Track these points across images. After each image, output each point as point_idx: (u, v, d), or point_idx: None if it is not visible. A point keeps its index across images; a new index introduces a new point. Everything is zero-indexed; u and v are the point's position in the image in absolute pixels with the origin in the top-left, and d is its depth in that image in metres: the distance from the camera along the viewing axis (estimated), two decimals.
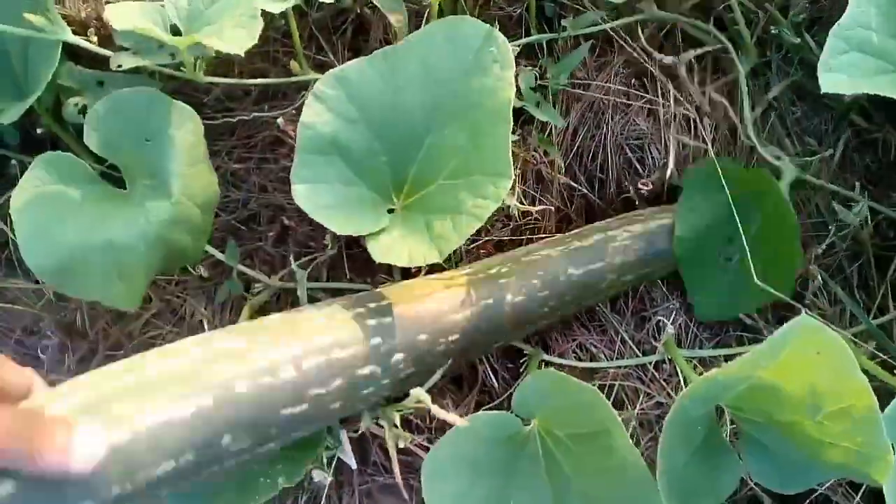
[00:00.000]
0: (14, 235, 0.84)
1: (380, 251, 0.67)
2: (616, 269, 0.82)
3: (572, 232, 0.85)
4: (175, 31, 0.69)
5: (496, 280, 0.75)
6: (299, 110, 0.80)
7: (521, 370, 0.89)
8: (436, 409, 0.66)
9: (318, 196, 0.68)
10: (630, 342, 0.91)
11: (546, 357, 0.87)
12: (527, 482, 0.70)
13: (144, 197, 0.69)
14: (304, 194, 0.67)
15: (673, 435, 0.64)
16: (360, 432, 0.73)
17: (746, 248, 0.76)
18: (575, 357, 0.90)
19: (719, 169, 0.79)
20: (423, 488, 0.67)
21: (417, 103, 0.69)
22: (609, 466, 0.65)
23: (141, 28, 0.64)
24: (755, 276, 0.74)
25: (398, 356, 0.66)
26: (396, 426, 0.72)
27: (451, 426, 0.82)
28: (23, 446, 0.44)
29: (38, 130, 0.82)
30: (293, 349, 0.59)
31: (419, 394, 0.65)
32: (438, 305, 0.70)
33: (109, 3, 0.75)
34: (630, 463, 0.64)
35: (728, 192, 0.78)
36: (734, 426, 0.79)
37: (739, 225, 0.76)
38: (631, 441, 0.63)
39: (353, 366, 0.63)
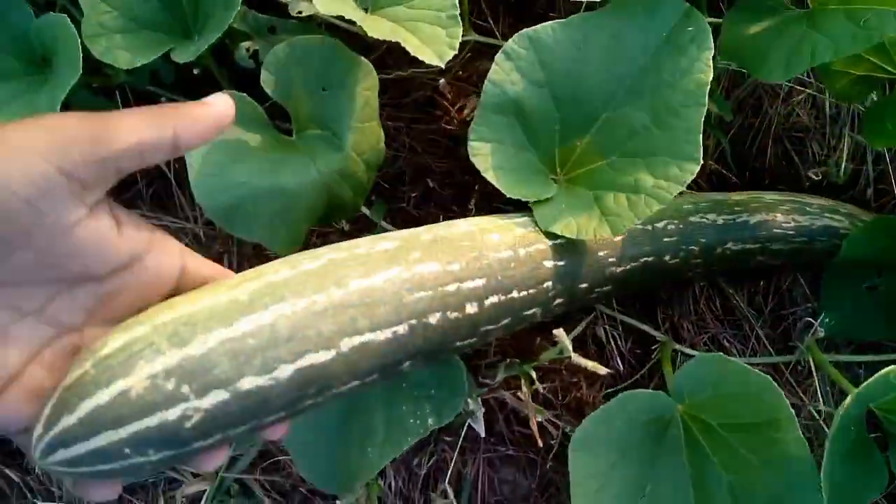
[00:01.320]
0: (168, 171, 0.87)
1: (546, 219, 0.67)
2: (770, 253, 0.82)
3: (741, 197, 0.84)
4: None
5: (660, 238, 0.76)
6: (461, 69, 0.80)
7: (649, 356, 0.88)
8: (577, 357, 0.66)
9: (493, 156, 0.68)
10: (764, 340, 0.90)
11: (677, 346, 0.86)
12: (667, 468, 0.70)
13: (314, 146, 0.70)
14: (480, 152, 0.68)
15: (839, 435, 0.63)
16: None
17: None
18: (706, 349, 0.89)
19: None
20: (570, 463, 0.67)
21: (603, 75, 0.68)
22: (770, 459, 0.65)
23: (341, 13, 0.63)
24: None
25: (558, 300, 0.68)
26: (536, 388, 0.72)
27: (581, 405, 0.83)
28: (169, 112, 0.45)
29: (195, 71, 0.83)
30: (479, 283, 0.59)
31: (561, 335, 0.65)
32: (606, 255, 0.71)
33: None
34: (796, 457, 0.63)
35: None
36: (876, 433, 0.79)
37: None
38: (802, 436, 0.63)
39: (523, 308, 0.64)
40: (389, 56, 0.84)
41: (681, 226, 0.77)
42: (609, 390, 0.85)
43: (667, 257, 0.76)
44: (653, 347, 0.88)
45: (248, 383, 0.45)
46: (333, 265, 0.53)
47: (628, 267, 0.73)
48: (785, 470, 0.65)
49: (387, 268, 0.54)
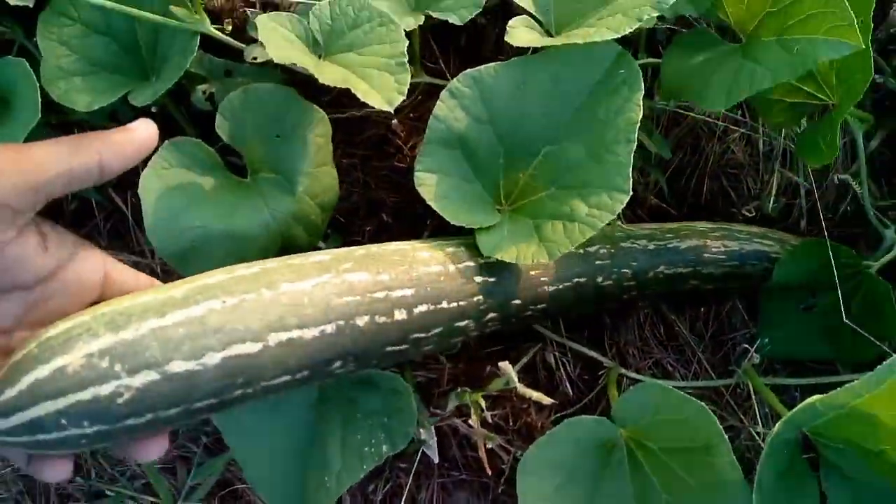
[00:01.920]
0: (125, 207, 0.89)
1: (489, 245, 0.70)
2: (701, 277, 0.87)
3: (673, 225, 0.88)
4: (316, 42, 0.72)
5: (592, 261, 0.80)
6: (412, 111, 0.84)
7: (597, 381, 0.92)
8: (522, 388, 0.70)
9: (438, 186, 0.72)
10: (706, 364, 0.94)
11: (623, 371, 0.90)
12: (611, 490, 0.73)
13: (267, 190, 0.72)
14: (426, 182, 0.72)
15: (769, 459, 0.67)
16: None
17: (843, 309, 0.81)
18: (651, 374, 0.93)
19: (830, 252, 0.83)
20: (518, 486, 0.70)
21: (542, 113, 0.72)
22: (706, 483, 0.69)
23: (294, 61, 0.67)
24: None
25: (492, 315, 0.72)
26: (486, 415, 0.75)
27: (530, 430, 0.86)
28: (94, 139, 0.50)
29: (153, 110, 0.85)
30: (407, 293, 0.63)
31: (506, 368, 0.69)
32: (538, 274, 0.75)
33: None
34: (730, 481, 0.67)
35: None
36: (810, 454, 0.82)
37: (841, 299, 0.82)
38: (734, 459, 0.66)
39: (454, 318, 0.68)
40: (345, 95, 0.86)
41: (612, 250, 0.82)
42: (558, 415, 0.88)
43: (599, 279, 0.80)
44: (600, 373, 0.91)
45: (177, 366, 0.49)
46: (266, 272, 0.57)
47: (561, 286, 0.77)
48: (719, 492, 0.68)
49: (317, 275, 0.59)
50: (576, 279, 0.78)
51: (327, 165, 0.73)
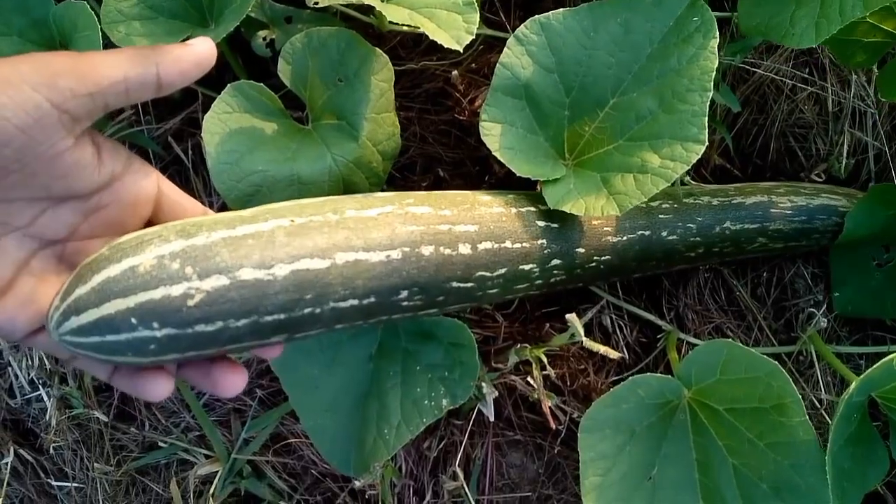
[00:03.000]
0: (184, 156, 0.88)
1: (555, 198, 0.68)
2: (769, 234, 0.84)
3: (736, 185, 0.86)
4: None
5: (656, 214, 0.78)
6: (472, 63, 0.81)
7: (654, 346, 0.89)
8: (588, 342, 0.68)
9: (503, 137, 0.70)
10: (767, 330, 0.91)
11: (682, 335, 0.88)
12: (673, 451, 0.72)
13: (329, 136, 0.71)
14: (491, 132, 0.70)
15: (842, 421, 0.65)
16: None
17: None
18: (710, 339, 0.90)
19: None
20: (579, 442, 0.68)
21: (611, 62, 0.70)
22: (775, 443, 0.67)
23: (361, 0, 0.65)
24: None
25: (556, 261, 0.70)
26: (546, 371, 0.74)
27: (587, 391, 0.84)
28: (150, 52, 0.48)
29: None
30: (470, 228, 0.63)
31: (573, 319, 0.69)
32: (601, 224, 0.74)
33: None
34: (803, 441, 0.65)
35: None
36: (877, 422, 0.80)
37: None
38: (808, 419, 0.64)
39: (518, 260, 0.66)
40: (402, 48, 0.85)
41: (675, 205, 0.79)
42: (616, 377, 0.86)
43: (664, 233, 0.78)
44: (657, 337, 0.89)
45: (246, 274, 0.49)
46: (331, 200, 0.58)
47: (625, 238, 0.75)
48: (791, 453, 0.66)
49: (381, 206, 0.59)
50: (640, 231, 0.76)
51: (390, 112, 0.71)
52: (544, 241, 0.69)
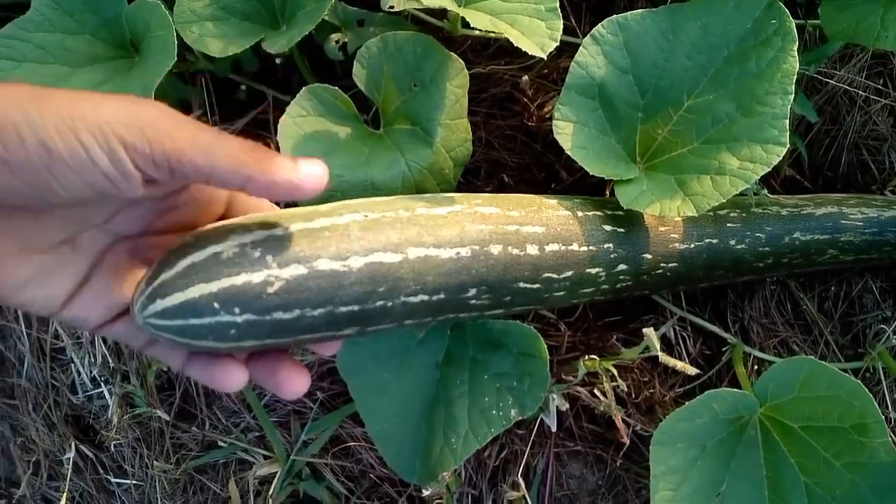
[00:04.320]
0: None
1: (628, 198, 0.68)
2: (839, 246, 0.82)
3: (805, 195, 0.84)
4: None
5: (724, 223, 0.77)
6: (541, 69, 0.80)
7: (717, 358, 0.88)
8: (664, 357, 0.67)
9: (575, 136, 0.69)
10: (833, 345, 0.89)
11: (747, 349, 0.86)
12: (743, 468, 0.70)
13: (403, 141, 0.71)
14: (563, 131, 0.69)
15: None
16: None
17: None
18: (775, 353, 0.89)
19: None
20: (651, 456, 0.68)
21: (688, 65, 0.69)
22: (853, 464, 0.65)
23: (442, 4, 0.65)
24: None
25: (622, 266, 0.70)
26: (615, 383, 0.73)
27: (652, 404, 0.83)
28: (252, 157, 0.44)
29: (277, 60, 0.84)
30: (538, 230, 0.64)
31: (650, 333, 0.69)
32: (668, 231, 0.73)
33: None
34: (883, 462, 0.64)
35: None
36: None
37: None
38: (890, 441, 0.62)
39: (585, 263, 0.67)
40: (471, 51, 0.85)
41: (744, 214, 0.78)
42: (680, 390, 0.85)
43: (732, 241, 0.76)
44: (721, 350, 0.87)
45: (323, 264, 0.51)
46: (401, 200, 0.59)
47: (692, 246, 0.74)
48: (870, 474, 0.65)
49: (450, 205, 0.60)
50: (707, 240, 0.75)
51: (463, 118, 0.71)
52: (611, 245, 0.68)
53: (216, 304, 0.47)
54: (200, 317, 0.48)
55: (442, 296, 0.57)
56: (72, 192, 0.42)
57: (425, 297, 0.56)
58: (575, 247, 0.66)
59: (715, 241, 0.76)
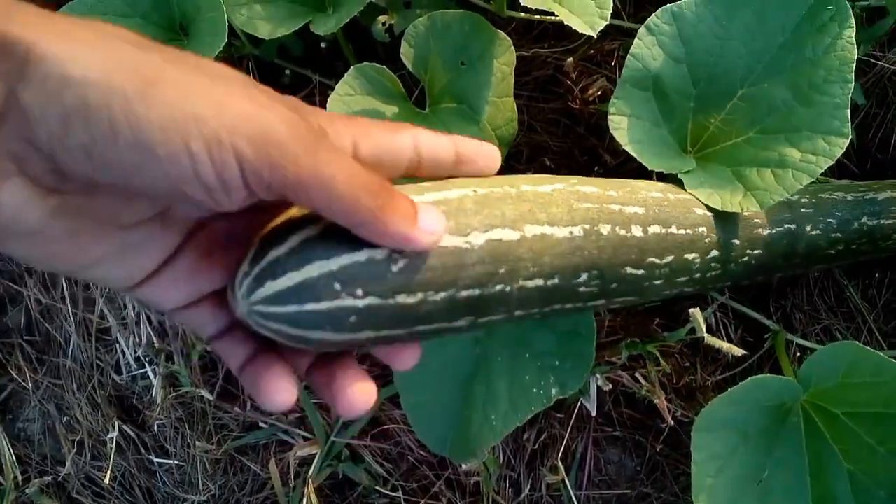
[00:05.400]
0: None
1: (690, 189, 0.68)
2: None
3: (863, 182, 0.84)
4: None
5: (798, 208, 0.76)
6: (585, 52, 0.82)
7: (759, 345, 0.89)
8: (710, 338, 0.68)
9: (631, 130, 0.70)
10: (877, 333, 0.90)
11: (789, 336, 0.87)
12: (785, 455, 0.71)
13: (450, 119, 0.73)
14: (619, 126, 0.70)
15: None
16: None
17: None
18: (818, 340, 0.90)
19: None
20: (693, 442, 0.68)
21: (742, 52, 0.69)
22: None
23: None
24: None
25: (714, 253, 0.68)
26: (659, 367, 0.74)
27: (692, 390, 0.84)
28: (371, 202, 0.39)
29: (323, 45, 0.86)
30: (639, 210, 0.61)
31: (696, 314, 0.68)
32: (752, 216, 0.72)
33: None
34: None
35: None
36: None
37: None
38: None
39: (683, 248, 0.64)
40: (513, 35, 0.86)
41: (813, 200, 0.78)
42: (721, 376, 0.86)
43: (808, 227, 0.76)
44: (764, 336, 0.88)
45: (447, 240, 0.46)
46: (502, 177, 0.54)
47: (774, 231, 0.74)
48: None
49: (550, 183, 0.56)
50: (787, 225, 0.75)
51: (509, 97, 0.72)
52: (704, 229, 0.67)
53: (337, 285, 0.41)
54: (318, 301, 0.41)
55: (556, 281, 0.54)
56: (163, 194, 0.37)
57: (541, 283, 0.53)
58: (674, 229, 0.64)
59: (794, 226, 0.76)
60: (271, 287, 0.41)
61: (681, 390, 0.85)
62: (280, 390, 0.42)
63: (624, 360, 0.75)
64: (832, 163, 0.63)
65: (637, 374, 0.77)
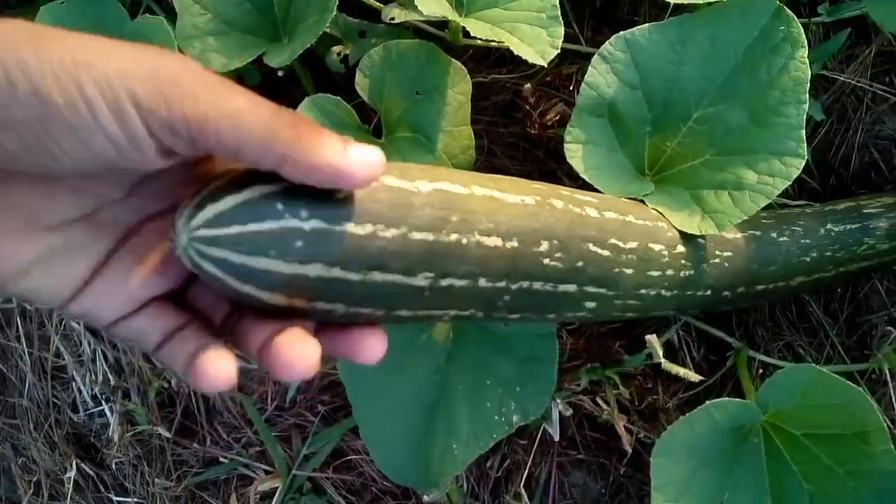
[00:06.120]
0: None
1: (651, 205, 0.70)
2: (873, 233, 0.84)
3: (816, 203, 0.86)
4: (457, 1, 0.72)
5: (759, 219, 0.78)
6: (543, 76, 0.84)
7: (722, 363, 0.91)
8: (667, 364, 0.69)
9: (587, 157, 0.71)
10: (839, 347, 0.92)
11: (752, 353, 0.89)
12: (745, 476, 0.73)
13: (405, 149, 0.74)
14: (576, 154, 0.71)
15: None
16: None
17: None
18: (780, 357, 0.92)
19: None
20: (652, 468, 0.70)
21: (697, 76, 0.71)
22: (856, 471, 0.67)
23: (443, 14, 0.67)
24: None
25: (680, 248, 0.69)
26: (618, 390, 0.75)
27: (655, 411, 0.86)
28: (289, 132, 0.37)
29: (280, 73, 0.87)
30: (592, 199, 0.63)
31: (653, 340, 0.69)
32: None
33: None
34: (886, 471, 0.65)
35: None
36: None
37: None
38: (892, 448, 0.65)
39: (646, 236, 0.65)
40: (471, 60, 0.88)
41: (772, 213, 0.80)
42: (683, 396, 0.88)
43: (773, 234, 0.78)
44: (726, 354, 0.90)
45: (391, 181, 0.46)
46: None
47: (739, 236, 0.75)
48: (873, 482, 0.67)
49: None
50: (750, 231, 0.76)
51: (466, 125, 0.74)
52: (664, 224, 0.68)
53: (280, 205, 0.40)
54: (261, 220, 0.40)
55: (515, 243, 0.53)
56: (75, 160, 0.36)
57: (499, 242, 0.51)
58: (632, 218, 0.65)
59: (758, 232, 0.77)
60: (212, 209, 0.40)
61: (644, 412, 0.86)
62: (220, 367, 0.40)
63: (584, 385, 0.77)
64: (789, 184, 0.65)
65: (598, 399, 0.78)
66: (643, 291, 0.67)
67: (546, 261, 0.56)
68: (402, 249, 0.46)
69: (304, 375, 0.40)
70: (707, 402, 0.70)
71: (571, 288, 0.60)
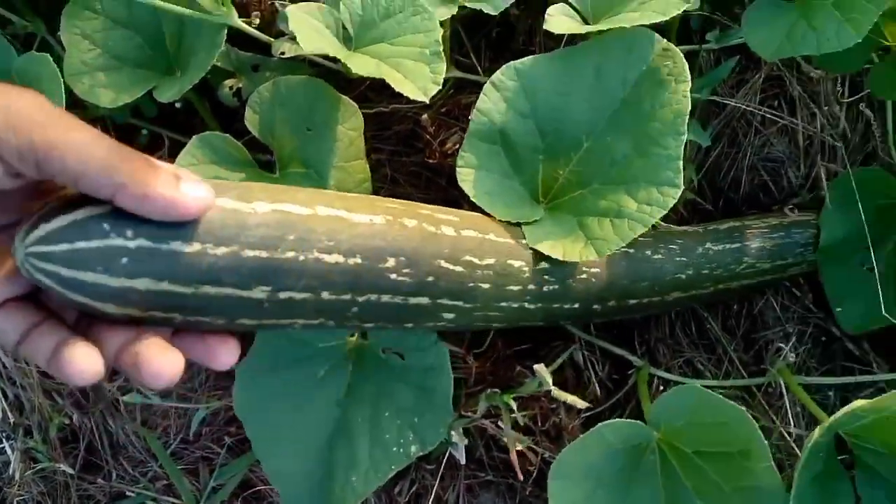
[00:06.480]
0: None
1: (534, 238, 0.72)
2: (753, 253, 0.88)
3: (703, 223, 0.90)
4: (346, 34, 0.74)
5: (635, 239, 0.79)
6: (442, 106, 0.85)
7: (627, 380, 0.94)
8: (557, 391, 0.71)
9: (480, 182, 0.73)
10: (737, 362, 0.96)
11: (653, 370, 0.92)
12: (642, 495, 0.75)
13: (298, 184, 0.74)
14: (468, 178, 0.73)
15: (807, 464, 0.70)
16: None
17: None
18: (681, 373, 0.95)
19: (853, 182, 0.86)
20: (549, 490, 0.72)
21: (585, 107, 0.73)
22: (741, 487, 0.70)
23: (326, 51, 0.69)
24: None
25: (543, 264, 0.71)
26: (515, 418, 0.77)
27: (559, 431, 0.89)
28: (127, 165, 0.43)
29: (177, 104, 0.88)
30: (453, 217, 0.66)
31: (541, 370, 0.71)
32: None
33: None
34: (767, 487, 0.69)
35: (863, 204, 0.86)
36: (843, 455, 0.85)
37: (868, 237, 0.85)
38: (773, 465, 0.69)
39: (505, 253, 0.68)
40: (371, 90, 0.89)
41: (651, 231, 0.79)
42: (587, 415, 0.91)
43: (648, 251, 0.81)
44: (629, 371, 0.93)
45: (226, 202, 0.49)
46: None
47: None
48: (756, 497, 0.70)
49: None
50: (622, 249, 0.77)
51: (359, 160, 0.75)
52: (527, 241, 0.71)
53: (106, 226, 0.44)
54: (88, 239, 0.44)
55: (359, 260, 0.56)
56: None
57: (340, 259, 0.54)
58: (493, 236, 0.68)
59: (632, 250, 0.80)
60: (44, 228, 0.44)
61: (548, 431, 0.89)
62: (88, 360, 0.44)
63: (485, 410, 0.79)
64: (665, 212, 0.67)
65: (499, 423, 0.80)
66: (504, 304, 0.70)
67: (393, 276, 0.59)
68: (235, 265, 0.49)
69: (170, 384, 0.45)
70: (599, 423, 0.73)
71: (424, 300, 0.63)
